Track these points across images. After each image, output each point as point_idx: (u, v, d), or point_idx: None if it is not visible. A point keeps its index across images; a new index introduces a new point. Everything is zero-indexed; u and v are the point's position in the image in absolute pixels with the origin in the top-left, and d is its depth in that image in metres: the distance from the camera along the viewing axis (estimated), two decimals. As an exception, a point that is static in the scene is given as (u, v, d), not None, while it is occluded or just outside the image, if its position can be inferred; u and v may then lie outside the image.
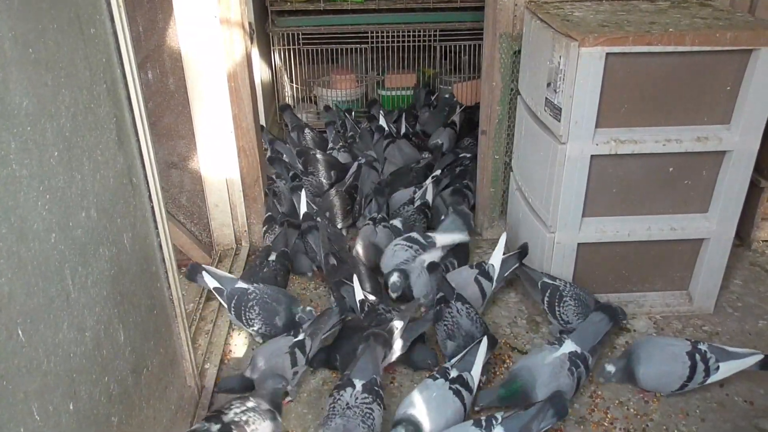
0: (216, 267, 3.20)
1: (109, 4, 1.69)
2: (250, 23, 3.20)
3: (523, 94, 2.92)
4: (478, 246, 3.40)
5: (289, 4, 4.76)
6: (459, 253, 3.12)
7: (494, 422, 2.06)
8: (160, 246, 2.05)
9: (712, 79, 2.41)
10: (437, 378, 2.25)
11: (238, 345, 2.77)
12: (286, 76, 5.05)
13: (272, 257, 3.04)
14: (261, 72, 4.51)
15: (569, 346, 2.36)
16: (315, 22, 4.78)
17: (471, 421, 2.11)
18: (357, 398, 2.13)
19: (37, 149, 1.30)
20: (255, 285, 2.74)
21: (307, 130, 4.39)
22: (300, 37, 4.79)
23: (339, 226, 3.48)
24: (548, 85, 2.53)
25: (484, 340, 2.37)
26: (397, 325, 2.40)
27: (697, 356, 2.35)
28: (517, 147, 3.09)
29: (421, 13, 4.82)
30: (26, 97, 1.26)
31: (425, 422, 2.13)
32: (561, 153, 2.51)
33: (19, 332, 1.21)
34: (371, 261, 3.12)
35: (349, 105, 4.98)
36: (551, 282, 2.68)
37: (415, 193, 3.55)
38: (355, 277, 2.71)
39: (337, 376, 2.52)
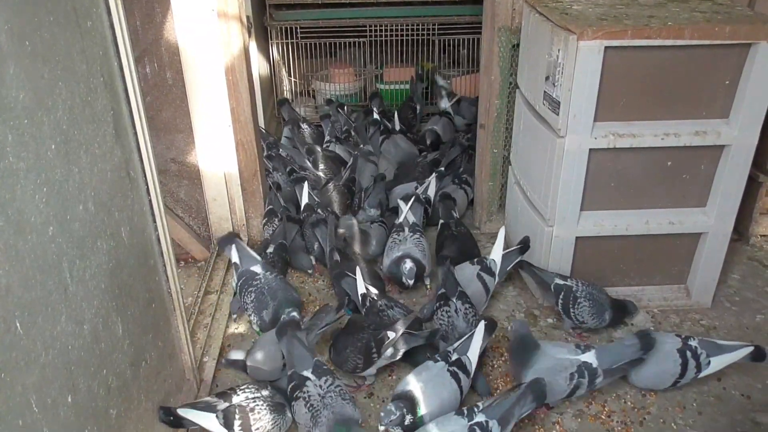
0: (213, 261, 3.21)
1: (106, -3, 1.68)
2: (248, 17, 3.19)
3: (522, 88, 2.92)
4: (476, 239, 3.40)
5: (287, -3, 4.74)
6: (467, 244, 3.12)
7: (476, 410, 2.09)
8: (158, 239, 2.05)
9: (711, 73, 2.41)
10: (438, 360, 2.28)
11: (237, 338, 2.77)
12: (284, 70, 5.03)
13: (270, 249, 3.05)
14: (259, 66, 4.50)
15: (589, 357, 2.32)
16: (313, 16, 4.75)
17: (453, 411, 2.13)
18: (322, 386, 2.17)
19: (34, 142, 1.30)
20: (266, 273, 2.76)
21: (304, 126, 4.38)
22: (298, 30, 4.78)
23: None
24: (547, 78, 2.53)
25: (481, 324, 2.36)
26: (390, 335, 2.36)
27: (688, 353, 2.36)
28: (516, 141, 3.09)
29: (419, 7, 4.80)
30: (23, 89, 1.26)
31: (420, 400, 2.16)
32: (559, 147, 2.51)
33: (17, 325, 1.21)
34: (367, 254, 3.14)
35: (348, 99, 4.97)
36: (564, 283, 2.67)
37: (416, 188, 3.55)
38: (357, 270, 2.71)
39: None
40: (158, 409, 1.99)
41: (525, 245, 2.88)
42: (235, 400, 2.14)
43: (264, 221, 3.35)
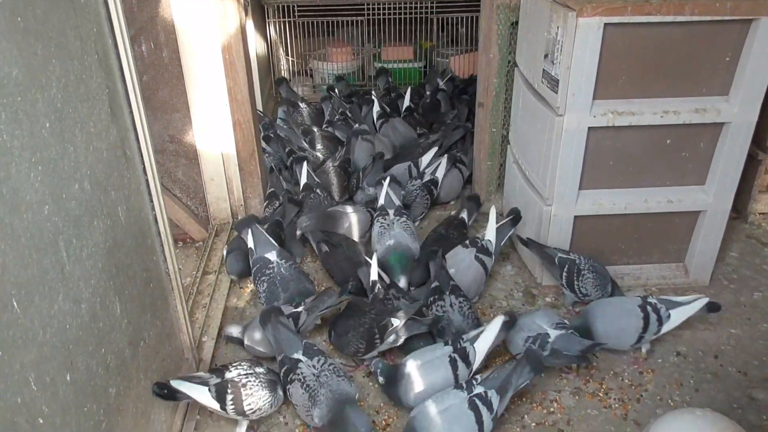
0: (212, 241, 3.21)
1: (99, -27, 1.66)
2: (244, -6, 3.16)
3: (521, 66, 2.90)
4: (475, 220, 3.39)
5: (284, -25, 4.69)
6: (460, 239, 3.08)
7: (474, 383, 2.11)
8: (156, 219, 2.05)
9: (711, 49, 2.39)
10: (447, 344, 2.29)
11: (236, 318, 2.78)
12: (281, 49, 5.00)
13: (265, 226, 3.05)
14: (256, 45, 4.47)
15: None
16: (310, -6, 4.72)
17: (453, 385, 2.16)
18: (315, 366, 2.17)
19: (28, 120, 1.29)
20: (280, 261, 2.74)
21: (303, 105, 4.36)
22: (295, 9, 4.74)
23: (336, 200, 3.47)
24: (546, 56, 2.50)
25: (499, 318, 2.32)
26: (394, 322, 2.35)
27: (649, 308, 2.42)
28: (515, 119, 3.08)
29: (417, -15, 4.76)
30: (15, 66, 1.25)
31: (412, 376, 2.22)
32: (558, 125, 2.49)
33: (14, 303, 1.21)
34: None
35: (349, 78, 4.93)
36: (567, 257, 2.69)
37: (410, 167, 3.53)
38: (374, 257, 2.66)
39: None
40: (153, 384, 1.99)
41: (516, 216, 2.88)
42: (228, 375, 2.16)
43: (265, 204, 3.34)
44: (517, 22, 2.93)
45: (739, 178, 2.62)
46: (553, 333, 2.37)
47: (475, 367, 2.26)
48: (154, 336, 2.02)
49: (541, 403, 2.34)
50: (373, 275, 2.61)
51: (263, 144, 3.73)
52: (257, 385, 2.14)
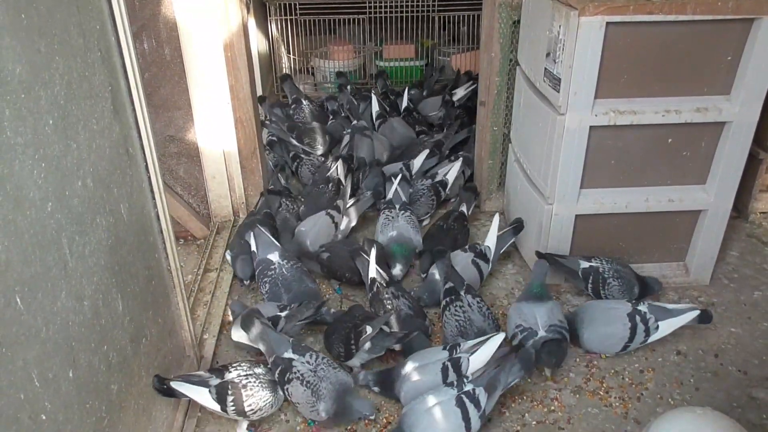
0: (213, 239, 3.21)
1: (102, -29, 1.66)
2: (246, -8, 3.16)
3: (522, 65, 2.90)
4: (476, 218, 3.40)
5: (285, -27, 4.69)
6: (460, 231, 3.10)
7: (465, 380, 2.11)
8: (158, 217, 2.05)
9: (712, 48, 2.39)
10: (445, 349, 2.28)
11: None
12: (283, 47, 5.00)
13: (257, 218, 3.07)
14: (258, 43, 4.47)
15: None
16: (312, -8, 4.72)
17: (442, 383, 2.15)
18: (310, 362, 2.18)
19: (31, 117, 1.29)
20: (282, 262, 2.73)
21: (305, 103, 4.36)
22: (297, 7, 4.74)
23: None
24: (547, 55, 2.51)
25: (500, 336, 2.23)
26: (368, 329, 2.32)
27: (638, 317, 2.42)
28: (516, 118, 3.08)
29: (419, -17, 4.76)
30: (19, 63, 1.25)
31: (406, 377, 2.23)
32: (560, 124, 2.49)
33: (18, 300, 1.22)
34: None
35: (350, 76, 4.93)
36: (590, 265, 2.69)
37: (405, 166, 3.54)
38: (373, 251, 2.65)
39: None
40: (153, 376, 2.00)
41: (519, 226, 2.89)
42: (228, 376, 2.15)
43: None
44: (519, 21, 2.94)
45: (740, 177, 2.62)
46: (541, 335, 2.36)
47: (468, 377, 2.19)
48: (156, 333, 2.02)
49: (541, 401, 2.34)
50: (372, 272, 2.61)
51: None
52: (258, 385, 2.14)
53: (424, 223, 3.35)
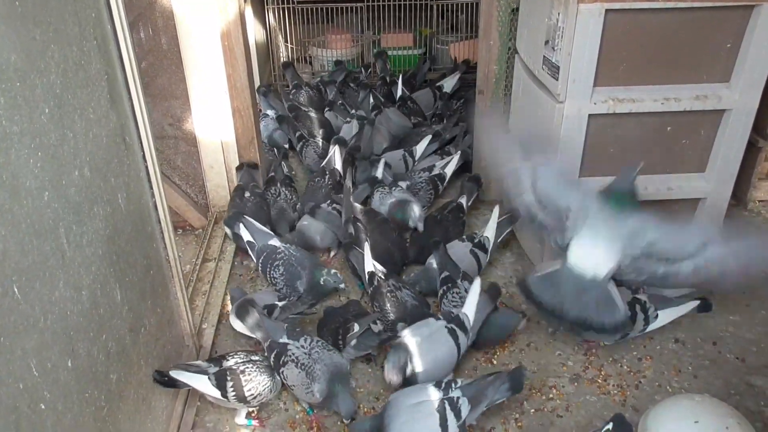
0: (211, 229, 3.21)
1: (97, -42, 1.65)
2: (243, -20, 3.13)
3: (521, 53, 2.88)
4: (475, 207, 3.40)
5: (282, -39, 4.66)
6: (453, 223, 3.09)
7: (453, 386, 2.08)
8: (156, 206, 2.05)
9: (712, 36, 2.38)
10: (439, 319, 2.32)
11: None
12: (280, 35, 4.97)
13: (247, 194, 3.10)
14: (255, 32, 4.45)
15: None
16: (309, -20, 4.69)
17: (433, 383, 2.11)
18: (304, 346, 2.21)
19: (27, 106, 1.29)
20: (286, 245, 2.75)
21: (305, 89, 4.35)
22: (294, -5, 4.71)
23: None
24: (546, 43, 2.49)
25: (477, 280, 2.35)
26: (355, 327, 2.34)
27: (638, 306, 2.41)
28: (515, 107, 3.07)
29: (417, -30, 4.73)
30: (14, 51, 1.24)
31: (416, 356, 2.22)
32: (558, 112, 2.48)
33: (15, 290, 1.21)
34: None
35: (348, 65, 4.92)
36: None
37: (404, 156, 3.53)
38: (366, 246, 2.64)
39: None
40: (153, 371, 2.01)
41: (515, 214, 2.88)
42: (226, 364, 2.16)
43: (264, 188, 3.33)
44: (517, 9, 2.92)
45: (739, 165, 2.62)
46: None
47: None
48: (155, 323, 2.02)
49: (540, 389, 2.35)
50: (368, 266, 2.60)
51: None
52: (256, 370, 2.16)
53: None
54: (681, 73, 2.45)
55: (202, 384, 2.11)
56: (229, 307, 2.75)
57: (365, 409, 2.27)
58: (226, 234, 3.15)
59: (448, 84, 4.39)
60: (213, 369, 2.15)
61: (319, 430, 2.22)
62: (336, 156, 3.37)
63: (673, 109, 2.47)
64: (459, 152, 3.50)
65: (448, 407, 2.02)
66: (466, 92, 4.30)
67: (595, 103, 2.45)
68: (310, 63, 5.11)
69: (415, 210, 2.97)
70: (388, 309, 2.50)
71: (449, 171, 3.41)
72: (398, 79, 4.34)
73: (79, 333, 1.48)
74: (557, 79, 2.43)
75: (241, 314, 2.33)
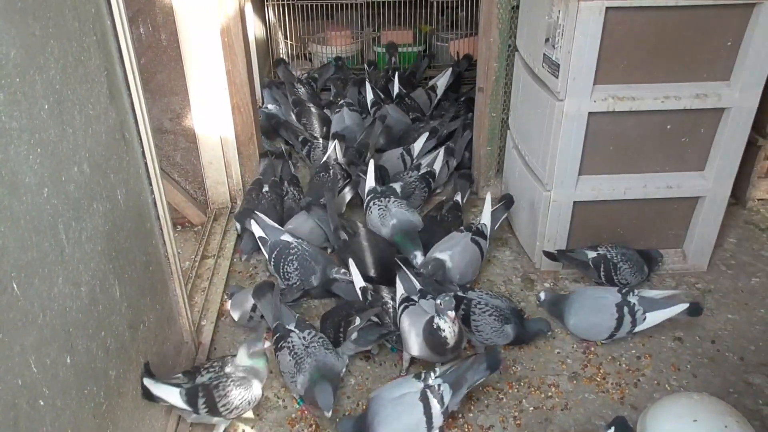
0: (210, 226, 3.20)
1: (97, -47, 1.64)
2: (242, -24, 3.13)
3: (521, 51, 2.88)
4: (474, 205, 3.40)
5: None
6: (454, 223, 3.07)
7: (432, 375, 2.09)
8: (155, 203, 2.04)
9: (712, 34, 2.38)
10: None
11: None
12: (280, 32, 4.96)
13: (266, 188, 3.09)
14: (255, 28, 4.43)
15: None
16: (309, -24, 4.68)
17: (412, 374, 2.13)
18: (305, 337, 2.26)
19: (26, 101, 1.28)
20: (298, 240, 2.77)
21: (298, 85, 4.34)
22: (294, -8, 4.70)
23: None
24: (546, 40, 2.49)
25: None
26: (357, 320, 2.37)
27: (626, 308, 2.42)
28: (514, 104, 3.06)
29: (417, -33, 4.72)
30: (13, 47, 1.24)
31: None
32: (558, 110, 2.48)
33: (14, 286, 1.21)
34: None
35: (348, 62, 4.91)
36: (599, 254, 2.71)
37: (402, 155, 3.52)
38: (351, 264, 2.58)
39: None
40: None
41: (509, 201, 2.92)
42: (199, 380, 2.08)
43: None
44: (517, 6, 2.91)
45: (738, 163, 2.62)
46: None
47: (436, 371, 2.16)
48: (154, 319, 2.02)
49: (539, 387, 2.35)
50: (359, 283, 2.55)
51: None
52: (230, 384, 2.06)
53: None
54: (681, 71, 2.45)
55: (174, 398, 2.00)
56: (228, 304, 2.75)
57: (364, 407, 2.27)
58: (225, 230, 3.15)
59: (441, 83, 4.36)
60: (187, 384, 2.04)
61: (317, 428, 2.22)
62: (337, 150, 3.38)
63: (673, 108, 2.47)
64: (442, 148, 3.49)
65: (430, 395, 2.04)
66: (467, 90, 4.29)
67: (595, 101, 2.45)
68: (310, 60, 5.10)
69: (417, 257, 2.82)
70: (388, 321, 2.48)
71: (437, 167, 3.40)
72: (394, 77, 4.33)
73: (78, 329, 1.48)
74: (557, 77, 2.43)
75: (259, 293, 2.42)
